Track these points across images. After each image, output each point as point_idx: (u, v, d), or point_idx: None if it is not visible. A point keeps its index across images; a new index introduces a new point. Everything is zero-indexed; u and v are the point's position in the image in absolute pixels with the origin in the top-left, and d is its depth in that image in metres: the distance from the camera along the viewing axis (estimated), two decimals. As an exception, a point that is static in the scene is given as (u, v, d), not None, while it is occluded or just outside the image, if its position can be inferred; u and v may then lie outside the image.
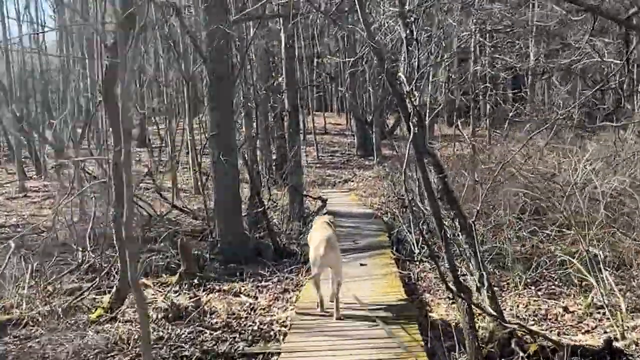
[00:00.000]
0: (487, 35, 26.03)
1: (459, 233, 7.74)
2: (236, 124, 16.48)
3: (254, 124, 19.11)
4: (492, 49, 25.54)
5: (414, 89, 7.50)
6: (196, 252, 14.37)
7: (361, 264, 12.19)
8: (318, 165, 34.27)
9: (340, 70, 44.31)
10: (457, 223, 7.70)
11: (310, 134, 38.93)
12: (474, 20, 21.67)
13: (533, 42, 27.91)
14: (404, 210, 16.51)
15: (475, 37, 23.24)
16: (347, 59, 32.82)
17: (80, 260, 12.84)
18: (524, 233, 13.24)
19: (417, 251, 12.63)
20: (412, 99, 7.39)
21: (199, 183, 15.49)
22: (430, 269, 12.51)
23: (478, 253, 7.52)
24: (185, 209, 18.53)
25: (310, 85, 41.25)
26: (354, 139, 37.66)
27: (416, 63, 7.94)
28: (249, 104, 17.16)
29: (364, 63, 30.36)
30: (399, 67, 8.42)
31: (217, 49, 13.71)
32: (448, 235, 7.91)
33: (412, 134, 7.26)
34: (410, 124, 7.35)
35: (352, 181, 30.83)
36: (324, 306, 8.89)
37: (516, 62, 25.79)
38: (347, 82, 36.71)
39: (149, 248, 14.62)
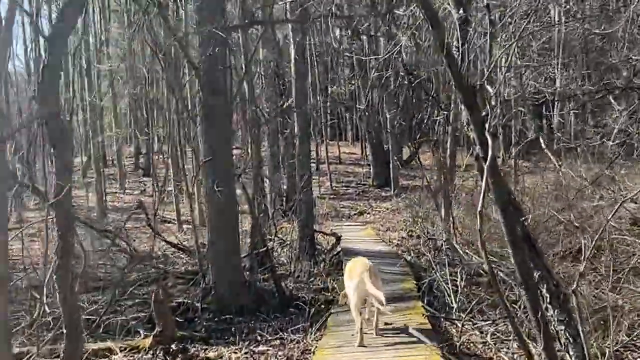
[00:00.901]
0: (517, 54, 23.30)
1: (548, 305, 4.99)
2: (236, 148, 13.88)
3: (260, 148, 16.59)
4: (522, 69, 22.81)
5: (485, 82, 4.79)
6: (185, 300, 11.74)
7: (386, 324, 9.40)
8: (332, 196, 31.59)
9: (355, 97, 41.85)
10: (543, 289, 4.94)
11: (323, 163, 36.32)
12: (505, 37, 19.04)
13: (559, 63, 25.20)
14: (436, 252, 13.62)
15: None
16: (366, 80, 30.26)
17: (36, 314, 10.16)
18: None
19: (454, 305, 9.90)
20: (487, 96, 4.67)
21: (191, 216, 12.79)
22: (474, 330, 9.63)
23: (582, 337, 4.77)
24: (180, 246, 15.86)
25: (324, 112, 38.67)
26: (370, 169, 34.96)
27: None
28: (251, 126, 14.62)
29: (384, 78, 27.62)
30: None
31: (211, 58, 11.19)
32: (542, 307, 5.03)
33: (485, 149, 4.51)
34: (486, 133, 4.61)
35: (368, 213, 28.12)
36: (362, 339, 8.51)
37: (544, 86, 23.15)
38: (362, 108, 34.13)
39: (127, 294, 11.99)
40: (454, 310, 9.93)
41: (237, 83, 12.84)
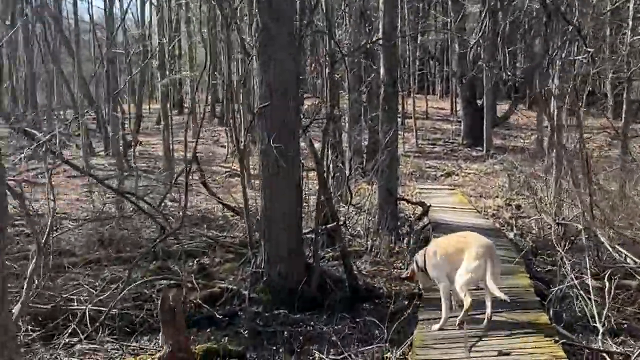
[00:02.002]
0: None
1: None
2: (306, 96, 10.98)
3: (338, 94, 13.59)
4: None
5: None
6: (230, 286, 8.99)
7: (501, 353, 6.26)
8: (417, 154, 28.27)
9: (447, 48, 37.96)
10: None
11: (409, 117, 32.90)
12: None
13: None
14: (567, 243, 10.06)
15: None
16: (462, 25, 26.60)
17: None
18: None
19: (599, 326, 6.72)
20: None
21: (241, 179, 9.85)
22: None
23: None
24: (236, 208, 13.09)
25: (412, 62, 35.00)
26: (460, 126, 31.29)
27: None
28: (327, 65, 11.53)
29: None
30: None
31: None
32: None
33: None
34: None
35: (457, 175, 24.74)
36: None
37: None
38: (456, 56, 30.37)
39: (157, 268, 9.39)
40: (599, 336, 6.72)
41: (309, 8, 9.72)
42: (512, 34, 26.17)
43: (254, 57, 8.87)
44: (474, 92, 29.93)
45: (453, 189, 21.07)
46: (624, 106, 15.63)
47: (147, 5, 33.11)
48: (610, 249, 8.07)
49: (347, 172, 16.67)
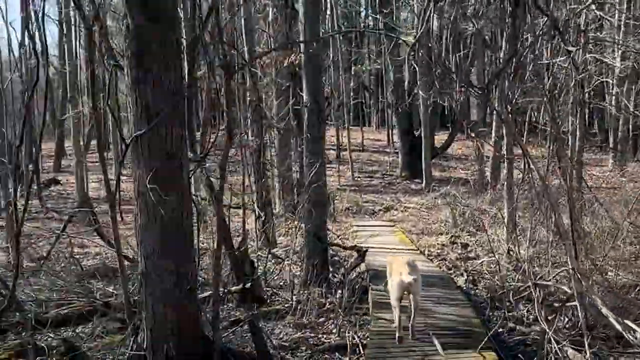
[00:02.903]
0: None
1: None
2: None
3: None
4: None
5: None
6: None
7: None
8: (353, 188, 26.22)
9: (381, 77, 36.41)
10: None
11: (345, 150, 30.91)
12: None
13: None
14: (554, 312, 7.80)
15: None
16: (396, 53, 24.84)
17: None
18: None
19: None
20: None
21: (114, 226, 7.34)
22: None
23: None
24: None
25: (346, 94, 33.11)
26: (398, 157, 29.46)
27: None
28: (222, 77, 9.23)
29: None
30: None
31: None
32: None
33: None
34: None
35: (396, 209, 22.73)
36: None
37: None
38: (391, 85, 28.64)
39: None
40: None
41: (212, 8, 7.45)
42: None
43: (127, 71, 6.55)
44: (410, 122, 28.21)
45: (393, 226, 19.00)
46: (577, 132, 13.84)
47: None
48: (616, 323, 5.95)
49: (275, 210, 14.47)
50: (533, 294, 7.28)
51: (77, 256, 13.25)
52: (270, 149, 18.92)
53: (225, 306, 9.27)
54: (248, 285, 7.51)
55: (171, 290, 6.63)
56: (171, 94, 6.55)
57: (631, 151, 26.27)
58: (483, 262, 13.18)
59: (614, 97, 15.22)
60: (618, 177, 16.29)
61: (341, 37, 32.40)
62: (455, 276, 12.31)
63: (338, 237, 16.87)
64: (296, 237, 11.92)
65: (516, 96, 8.67)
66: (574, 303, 6.39)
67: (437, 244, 16.06)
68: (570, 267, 6.22)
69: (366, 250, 11.54)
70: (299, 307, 9.54)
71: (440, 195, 21.60)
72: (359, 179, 28.35)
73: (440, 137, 32.43)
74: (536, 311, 6.76)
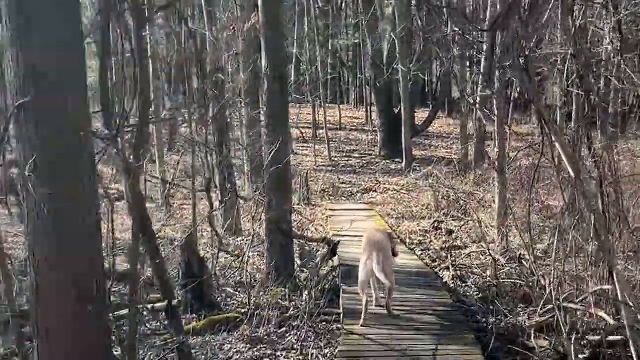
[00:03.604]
0: None
1: None
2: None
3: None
4: None
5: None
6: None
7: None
8: (330, 168, 24.53)
9: (359, 52, 34.59)
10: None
11: (321, 128, 29.13)
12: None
13: None
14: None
15: None
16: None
17: None
18: None
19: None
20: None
21: None
22: None
23: None
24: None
25: (323, 70, 31.21)
26: (377, 136, 27.74)
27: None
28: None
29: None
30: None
31: None
32: None
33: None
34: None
35: (375, 191, 21.04)
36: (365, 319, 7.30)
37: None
38: (369, 59, 26.83)
39: None
40: None
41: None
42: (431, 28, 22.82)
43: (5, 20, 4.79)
44: (390, 99, 26.47)
45: (371, 209, 17.33)
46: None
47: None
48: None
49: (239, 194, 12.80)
50: (560, 319, 5.58)
51: None
52: (240, 127, 17.18)
53: (153, 324, 7.63)
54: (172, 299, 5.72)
55: (70, 310, 4.94)
56: (66, 48, 4.80)
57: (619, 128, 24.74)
58: (471, 253, 11.64)
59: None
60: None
61: (317, 9, 30.45)
62: (440, 270, 10.71)
63: (311, 223, 15.25)
64: (259, 226, 10.23)
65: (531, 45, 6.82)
66: (618, 338, 4.77)
67: (419, 230, 14.49)
68: (610, 287, 4.57)
69: (337, 243, 9.81)
70: (256, 314, 7.89)
71: (422, 176, 19.99)
72: (336, 159, 26.65)
73: (421, 115, 30.80)
74: (563, 346, 5.11)
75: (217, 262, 8.86)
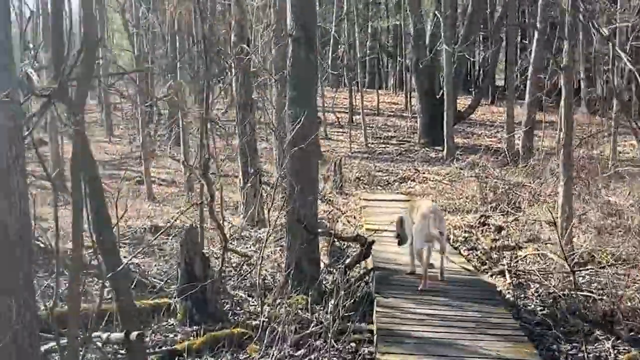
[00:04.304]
0: None
1: None
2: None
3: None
4: None
5: None
6: None
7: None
8: (365, 155, 22.77)
9: (399, 37, 32.68)
10: None
11: (358, 113, 27.34)
12: None
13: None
14: None
15: None
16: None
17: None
18: None
19: None
20: None
21: None
22: None
23: None
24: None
25: (361, 51, 29.33)
26: (416, 122, 25.79)
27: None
28: None
29: None
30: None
31: None
32: None
33: None
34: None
35: (413, 180, 19.21)
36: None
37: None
38: (411, 40, 24.83)
39: None
40: None
41: None
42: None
43: None
44: (432, 83, 24.50)
45: (409, 200, 15.52)
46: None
47: None
48: None
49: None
50: None
51: None
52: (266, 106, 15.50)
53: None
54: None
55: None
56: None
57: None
58: (527, 255, 9.81)
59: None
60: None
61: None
62: (492, 275, 8.94)
63: (343, 214, 13.56)
64: (279, 218, 8.55)
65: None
66: None
67: (463, 225, 12.67)
68: None
69: (372, 242, 8.07)
70: (269, 328, 6.23)
71: (466, 165, 18.07)
72: (372, 145, 24.84)
73: (462, 102, 28.76)
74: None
75: (225, 262, 7.20)
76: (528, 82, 19.70)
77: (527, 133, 19.36)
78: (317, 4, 8.90)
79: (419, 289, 7.21)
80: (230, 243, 10.48)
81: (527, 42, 29.67)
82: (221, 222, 7.80)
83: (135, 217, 12.37)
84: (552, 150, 19.58)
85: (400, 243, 8.10)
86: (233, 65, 11.29)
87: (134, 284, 7.08)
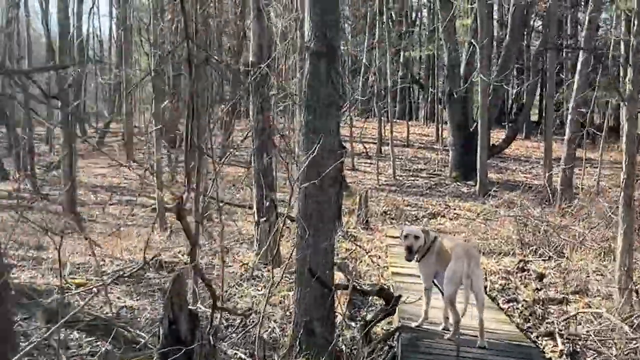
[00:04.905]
0: None
1: None
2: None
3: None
4: None
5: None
6: None
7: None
8: (393, 188, 21.44)
9: (431, 68, 31.46)
10: None
11: (387, 144, 26.07)
12: None
13: None
14: None
15: None
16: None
17: None
18: None
19: None
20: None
21: None
22: None
23: None
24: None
25: (391, 80, 28.10)
26: (448, 155, 24.40)
27: None
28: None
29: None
30: None
31: None
32: None
33: None
34: None
35: (443, 216, 17.84)
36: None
37: None
38: (444, 70, 23.60)
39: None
40: None
41: None
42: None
43: None
44: (465, 115, 23.14)
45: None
46: None
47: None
48: None
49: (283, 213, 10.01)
50: None
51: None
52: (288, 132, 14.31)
53: None
54: None
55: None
56: None
57: None
58: (578, 312, 8.34)
59: None
60: None
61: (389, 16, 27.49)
62: (538, 336, 7.49)
63: (367, 253, 12.18)
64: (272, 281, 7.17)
65: None
66: None
67: (500, 270, 11.23)
68: None
69: (399, 298, 6.67)
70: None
71: (503, 203, 16.62)
72: (401, 178, 23.51)
73: (496, 136, 27.34)
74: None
75: (213, 324, 5.89)
76: (569, 116, 18.27)
77: (566, 171, 17.86)
78: (341, 15, 7.64)
79: (446, 337, 6.29)
80: (239, 285, 9.24)
81: (563, 76, 28.29)
82: (223, 263, 6.45)
83: (138, 249, 11.17)
84: (591, 189, 18.10)
85: (409, 258, 6.69)
86: (250, 87, 10.11)
87: (111, 335, 5.82)
